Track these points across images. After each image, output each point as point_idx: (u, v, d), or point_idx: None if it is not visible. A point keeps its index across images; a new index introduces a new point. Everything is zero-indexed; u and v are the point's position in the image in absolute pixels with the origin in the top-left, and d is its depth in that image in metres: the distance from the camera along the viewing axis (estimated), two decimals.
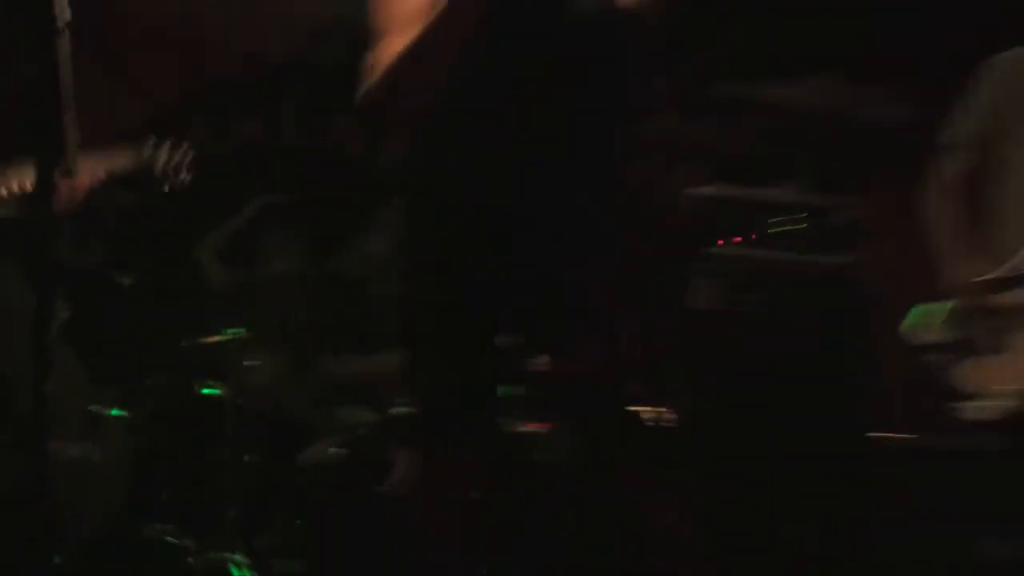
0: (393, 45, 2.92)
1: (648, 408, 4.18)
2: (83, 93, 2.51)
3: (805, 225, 5.00)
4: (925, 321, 4.06)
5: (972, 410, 3.95)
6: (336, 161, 5.93)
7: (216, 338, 4.66)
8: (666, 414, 4.32)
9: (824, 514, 4.83)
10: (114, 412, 4.66)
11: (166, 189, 3.93)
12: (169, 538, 4.23)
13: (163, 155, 3.95)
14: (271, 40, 5.87)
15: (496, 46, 2.97)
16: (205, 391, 4.62)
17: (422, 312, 3.10)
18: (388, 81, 2.90)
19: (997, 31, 4.15)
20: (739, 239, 5.00)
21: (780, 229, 5.04)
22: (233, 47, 5.75)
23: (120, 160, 3.89)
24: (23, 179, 3.72)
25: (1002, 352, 3.93)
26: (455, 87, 2.94)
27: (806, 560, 4.68)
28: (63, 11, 2.46)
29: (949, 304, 3.97)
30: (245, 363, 4.62)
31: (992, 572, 4.25)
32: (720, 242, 5.06)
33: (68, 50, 2.45)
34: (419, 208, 3.12)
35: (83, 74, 2.51)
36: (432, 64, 2.90)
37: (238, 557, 4.18)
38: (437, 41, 2.88)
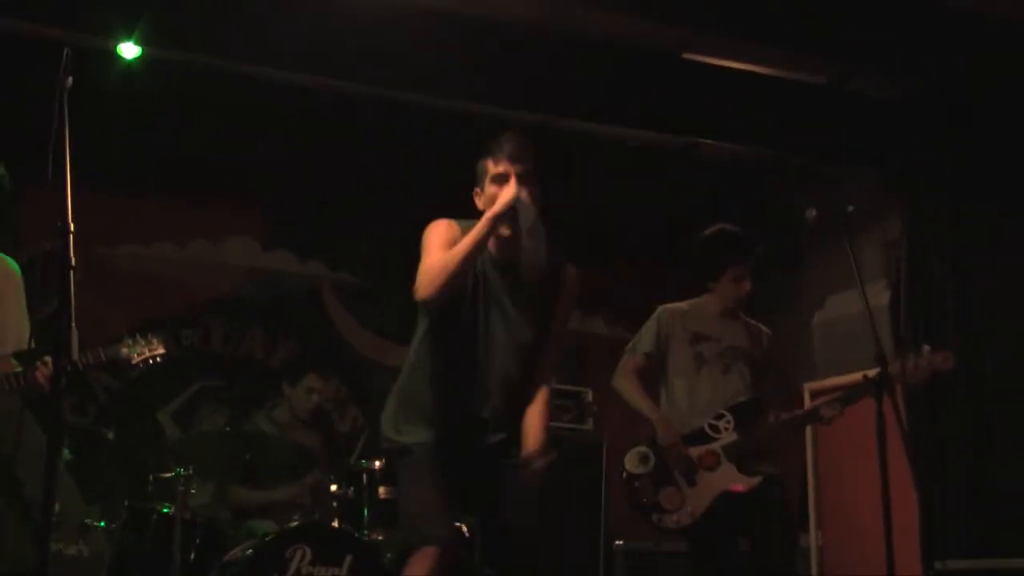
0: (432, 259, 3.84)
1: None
2: (83, 312, 3.15)
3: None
4: (635, 459, 5.14)
5: (667, 521, 5.03)
6: (247, 360, 7.52)
7: (169, 474, 5.55)
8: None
9: None
10: (100, 524, 5.57)
11: (139, 368, 4.55)
12: None
13: (138, 348, 4.56)
14: (209, 281, 7.44)
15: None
16: (162, 510, 5.42)
17: None
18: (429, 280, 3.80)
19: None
20: None
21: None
22: (184, 285, 7.29)
23: (112, 350, 4.49)
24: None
25: (689, 483, 5.04)
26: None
27: None
28: (71, 258, 3.11)
29: (648, 448, 5.11)
30: (188, 491, 5.49)
31: None
32: None
33: (73, 285, 3.11)
34: None
35: (84, 300, 3.17)
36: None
37: None
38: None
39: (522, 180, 3.95)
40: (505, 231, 3.95)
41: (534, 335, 4.05)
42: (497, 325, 4.00)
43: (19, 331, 4.42)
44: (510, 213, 3.89)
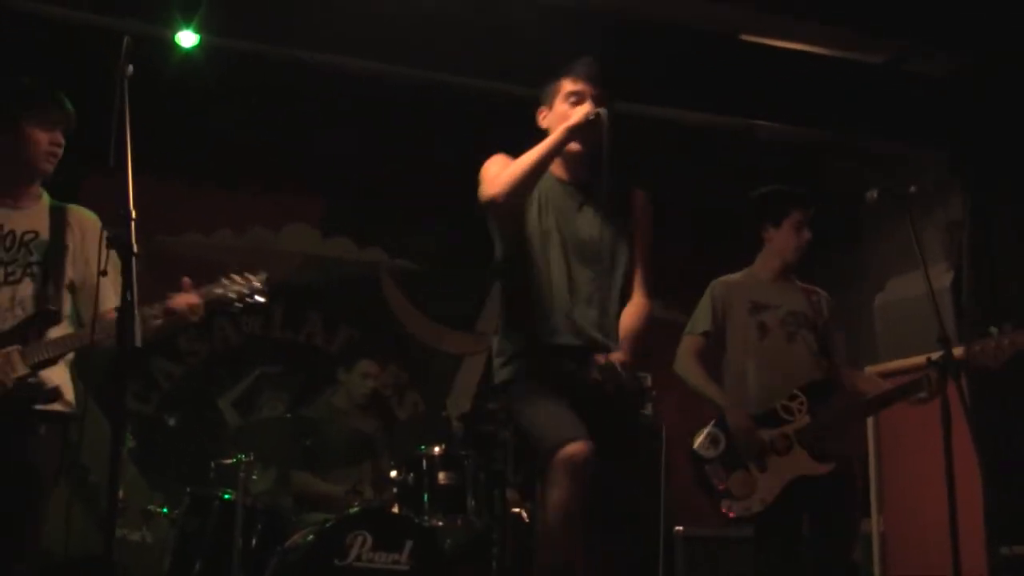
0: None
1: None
2: (146, 299, 3.37)
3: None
4: (706, 441, 4.96)
5: (736, 508, 4.87)
6: (306, 347, 7.61)
7: (230, 460, 5.59)
8: None
9: None
10: (163, 510, 5.78)
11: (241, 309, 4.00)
12: None
13: (237, 285, 3.98)
14: (268, 268, 7.43)
15: None
16: (224, 496, 5.48)
17: None
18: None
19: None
20: None
21: None
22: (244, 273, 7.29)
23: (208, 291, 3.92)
24: None
25: (760, 468, 4.86)
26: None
27: None
28: (133, 245, 3.10)
29: (718, 430, 4.93)
30: (250, 477, 5.51)
31: None
32: None
33: (136, 270, 3.10)
34: None
35: (146, 284, 3.17)
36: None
37: None
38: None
39: (598, 102, 3.96)
40: (575, 146, 3.94)
41: (610, 256, 4.02)
42: (571, 248, 3.97)
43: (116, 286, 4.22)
44: (587, 127, 3.85)
